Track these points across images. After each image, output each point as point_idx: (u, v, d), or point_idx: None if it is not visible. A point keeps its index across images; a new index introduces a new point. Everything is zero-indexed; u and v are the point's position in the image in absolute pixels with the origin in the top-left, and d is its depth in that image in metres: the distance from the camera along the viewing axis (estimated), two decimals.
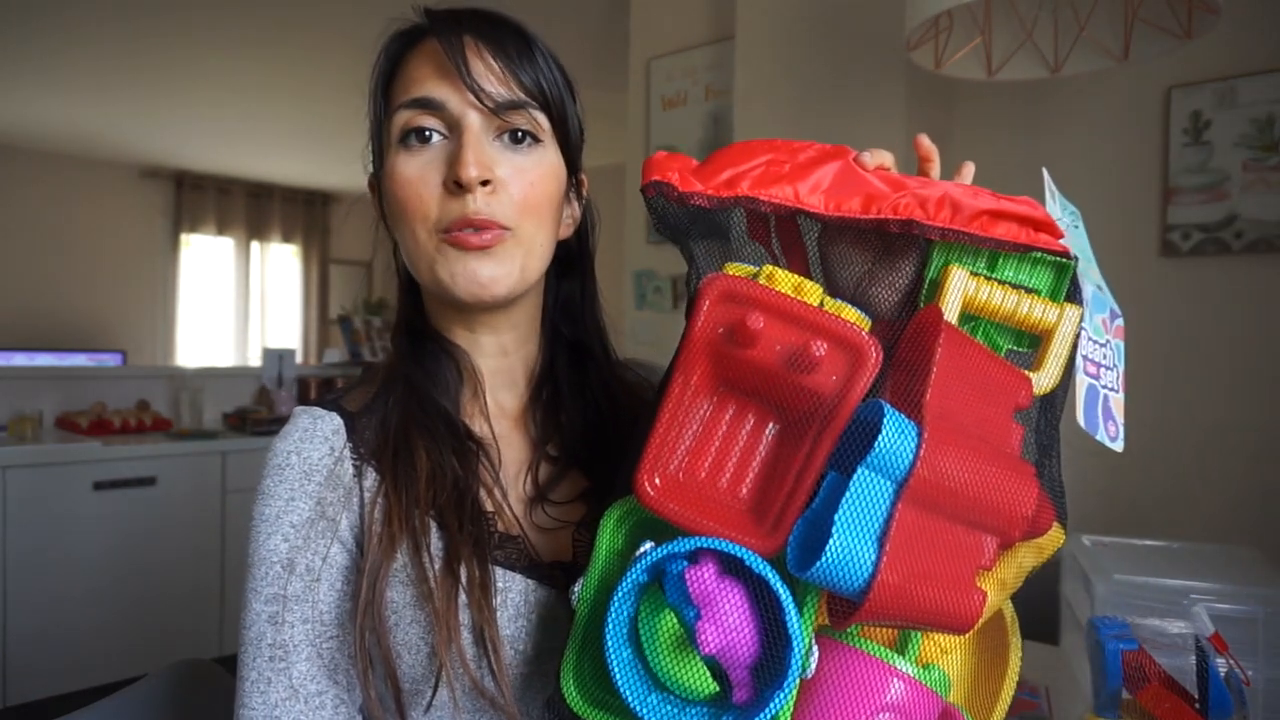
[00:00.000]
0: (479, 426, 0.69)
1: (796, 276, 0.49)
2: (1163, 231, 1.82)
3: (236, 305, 6.77)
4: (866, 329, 0.48)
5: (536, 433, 0.71)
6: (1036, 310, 0.49)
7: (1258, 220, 1.71)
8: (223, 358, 6.58)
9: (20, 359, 4.90)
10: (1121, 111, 1.88)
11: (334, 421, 0.66)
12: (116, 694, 0.91)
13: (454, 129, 0.63)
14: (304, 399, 3.46)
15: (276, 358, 3.49)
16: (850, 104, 2.00)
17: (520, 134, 0.64)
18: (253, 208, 6.81)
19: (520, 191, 0.63)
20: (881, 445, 0.41)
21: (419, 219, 0.63)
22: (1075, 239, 0.54)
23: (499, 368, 0.71)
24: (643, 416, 0.51)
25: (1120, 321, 0.55)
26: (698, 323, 0.47)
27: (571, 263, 0.76)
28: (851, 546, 0.40)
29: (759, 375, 0.46)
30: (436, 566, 0.59)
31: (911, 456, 0.41)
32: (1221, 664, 0.59)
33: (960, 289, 0.50)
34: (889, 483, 0.41)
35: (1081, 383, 0.51)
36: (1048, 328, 0.50)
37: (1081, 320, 0.50)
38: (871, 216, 0.50)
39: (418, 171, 0.63)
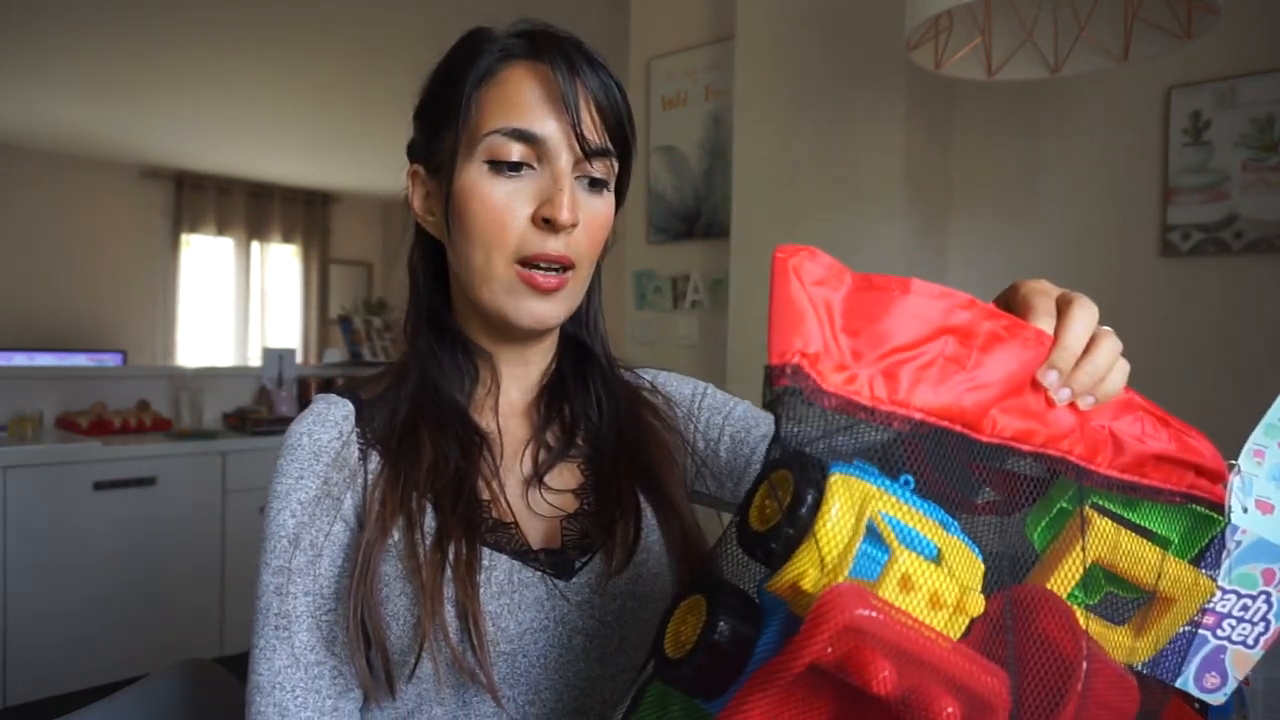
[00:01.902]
0: (488, 420, 0.72)
1: (863, 488, 0.37)
2: (1163, 231, 1.82)
3: (236, 305, 6.78)
4: (979, 578, 0.39)
5: (539, 420, 0.74)
6: (1165, 581, 0.44)
7: (1258, 220, 1.71)
8: (223, 358, 6.58)
9: (20, 359, 4.90)
10: (1121, 111, 1.88)
11: (346, 407, 0.69)
12: (116, 694, 0.91)
13: (543, 160, 0.65)
14: (304, 399, 3.46)
15: (276, 358, 3.49)
16: (850, 104, 2.00)
17: (597, 179, 0.68)
18: (253, 208, 6.81)
19: (590, 235, 0.68)
20: None
21: (497, 245, 0.65)
22: None
23: (517, 375, 0.75)
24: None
25: None
26: (802, 655, 0.34)
27: None
28: None
29: (866, 704, 0.36)
30: (427, 543, 0.62)
31: None
32: None
33: (1098, 544, 0.43)
34: None
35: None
36: (1169, 597, 0.44)
37: (1211, 596, 0.45)
38: (1028, 449, 0.40)
39: (505, 199, 0.65)
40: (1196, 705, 0.59)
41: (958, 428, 0.38)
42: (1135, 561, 0.44)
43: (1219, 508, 0.45)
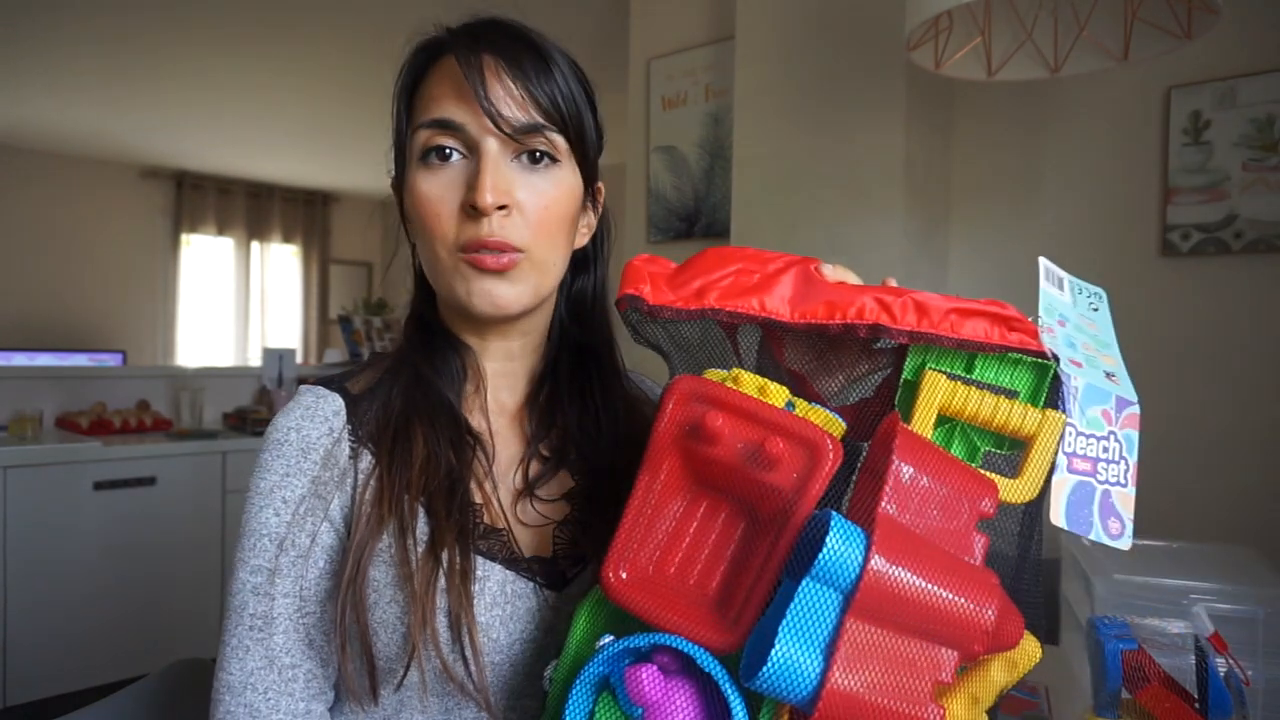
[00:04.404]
0: (478, 421, 0.70)
1: (761, 379, 0.51)
2: (1162, 231, 1.82)
3: (236, 305, 6.77)
4: (839, 432, 0.49)
5: (531, 430, 0.72)
6: (1014, 418, 0.49)
7: (1257, 220, 1.71)
8: (223, 358, 6.58)
9: (20, 359, 4.90)
10: (1121, 111, 1.88)
11: (336, 403, 0.68)
12: (116, 694, 0.91)
13: (473, 149, 0.65)
14: None
15: (276, 358, 3.49)
16: (850, 104, 2.00)
17: (538, 154, 0.66)
18: (253, 208, 6.81)
19: (535, 214, 0.65)
20: (825, 556, 0.40)
21: (437, 237, 0.65)
22: (1096, 321, 0.53)
23: (504, 370, 0.73)
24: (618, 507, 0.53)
25: (1133, 410, 0.52)
26: (662, 421, 0.49)
27: (585, 265, 0.77)
28: (795, 656, 0.40)
29: (724, 473, 0.48)
30: (419, 550, 0.61)
31: (859, 567, 0.40)
32: (1221, 664, 0.59)
33: (933, 393, 0.50)
34: (836, 593, 0.41)
35: (1064, 481, 0.50)
36: (1028, 434, 0.49)
37: (1064, 425, 0.49)
38: (837, 322, 0.51)
39: (437, 191, 0.65)
40: (1196, 705, 0.59)
41: (757, 314, 0.53)
42: (978, 405, 0.49)
43: (1043, 355, 0.50)
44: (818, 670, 0.39)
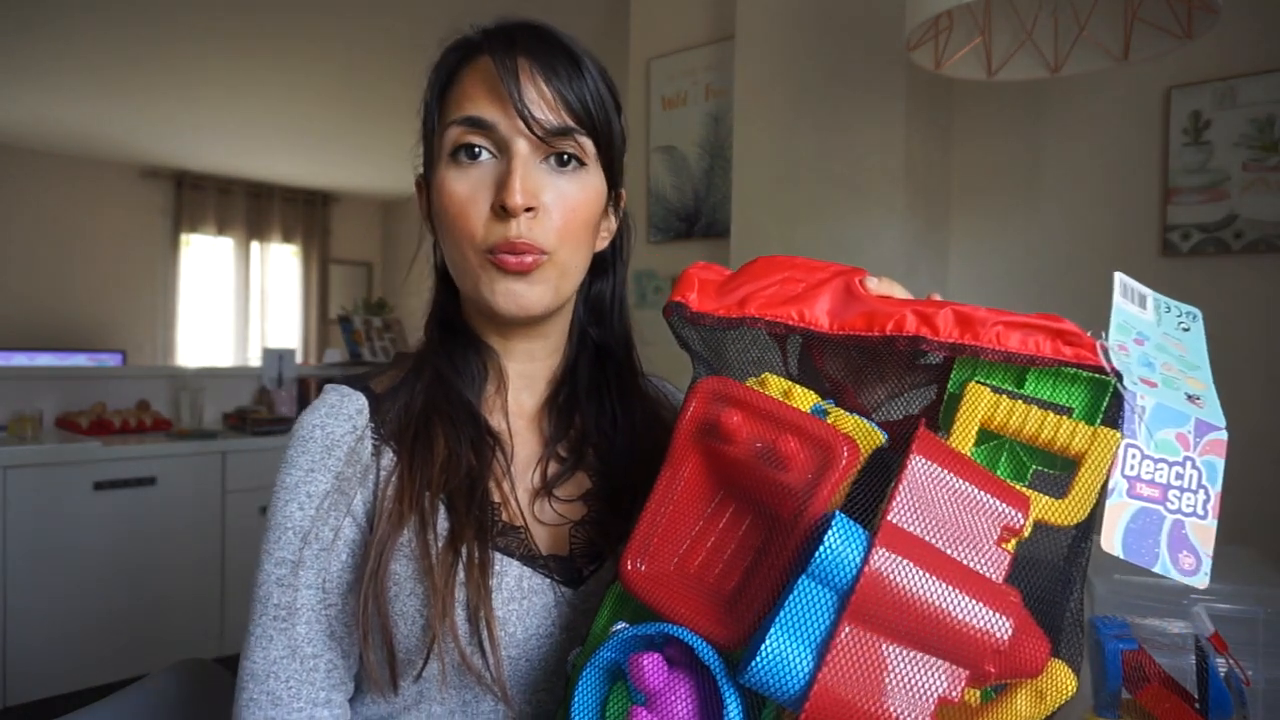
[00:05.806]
0: (498, 422, 0.71)
1: (788, 383, 0.51)
2: (1163, 231, 1.82)
3: (236, 305, 6.78)
4: (875, 442, 0.48)
5: (550, 431, 0.73)
6: (1061, 434, 0.46)
7: (1258, 220, 1.71)
8: (223, 358, 6.58)
9: (20, 359, 4.90)
10: (1121, 111, 1.88)
11: (359, 401, 0.69)
12: (116, 694, 0.91)
13: (503, 149, 0.66)
14: (304, 399, 3.46)
15: (276, 358, 3.49)
16: (850, 104, 2.00)
17: (566, 157, 0.67)
18: (253, 208, 6.81)
19: (561, 217, 0.66)
20: (823, 554, 0.40)
21: (465, 237, 0.66)
22: (1185, 341, 0.50)
23: (525, 371, 0.74)
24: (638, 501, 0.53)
25: (1218, 435, 0.47)
26: (684, 419, 0.50)
27: (604, 268, 0.78)
28: (786, 653, 0.39)
29: (743, 472, 0.48)
30: (439, 545, 0.62)
31: (856, 568, 0.39)
32: (1221, 664, 0.59)
33: (974, 406, 0.47)
34: (833, 594, 0.40)
35: (1122, 507, 0.45)
36: (1077, 452, 0.46)
37: (1122, 445, 0.45)
38: (876, 334, 0.50)
39: (466, 191, 0.65)
40: (1196, 705, 0.59)
41: (796, 324, 0.53)
42: (1023, 420, 0.46)
43: (1100, 369, 0.46)
44: (808, 669, 0.39)
